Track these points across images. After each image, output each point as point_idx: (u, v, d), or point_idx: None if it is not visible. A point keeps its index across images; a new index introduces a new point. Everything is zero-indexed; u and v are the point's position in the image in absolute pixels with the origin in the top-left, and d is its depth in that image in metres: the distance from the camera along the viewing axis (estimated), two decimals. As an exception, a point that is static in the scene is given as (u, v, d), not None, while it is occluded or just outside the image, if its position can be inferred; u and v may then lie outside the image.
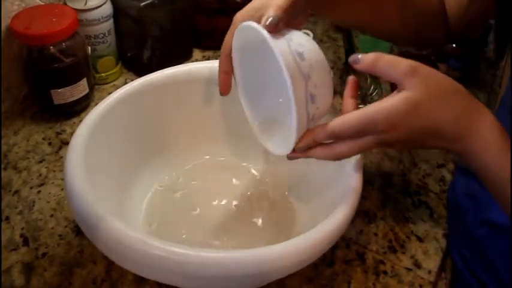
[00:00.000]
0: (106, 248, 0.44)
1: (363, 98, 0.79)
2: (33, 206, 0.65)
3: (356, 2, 0.59)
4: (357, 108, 0.47)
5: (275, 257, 0.41)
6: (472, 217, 0.62)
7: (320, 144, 0.47)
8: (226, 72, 0.57)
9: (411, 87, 0.43)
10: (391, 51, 1.03)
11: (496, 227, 0.57)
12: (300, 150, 0.48)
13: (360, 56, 0.45)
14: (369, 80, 0.89)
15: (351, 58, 0.46)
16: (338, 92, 0.79)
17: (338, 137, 0.45)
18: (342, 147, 0.46)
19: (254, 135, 0.58)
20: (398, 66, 0.44)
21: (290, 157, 0.50)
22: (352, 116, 0.44)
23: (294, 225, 0.63)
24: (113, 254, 0.44)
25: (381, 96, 0.86)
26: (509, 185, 0.44)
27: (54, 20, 0.72)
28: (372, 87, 0.87)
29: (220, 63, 0.57)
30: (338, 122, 0.45)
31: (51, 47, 0.72)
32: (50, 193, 0.67)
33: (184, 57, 0.95)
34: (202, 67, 0.64)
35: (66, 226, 0.63)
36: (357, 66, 0.45)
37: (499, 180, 0.45)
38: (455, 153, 0.48)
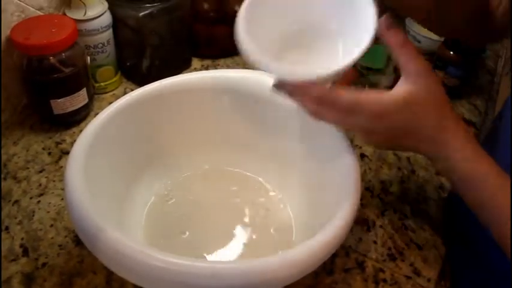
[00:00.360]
0: (106, 259, 0.44)
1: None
2: (33, 216, 0.65)
3: None
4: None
5: (274, 268, 0.42)
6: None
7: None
8: None
9: (416, 85, 0.48)
10: (388, 59, 1.04)
11: None
12: (295, 89, 0.50)
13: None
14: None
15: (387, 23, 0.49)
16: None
17: (329, 102, 0.48)
18: (329, 112, 0.49)
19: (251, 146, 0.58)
20: (419, 61, 0.48)
21: (278, 85, 0.51)
22: (349, 93, 0.48)
23: (293, 234, 0.63)
24: (113, 265, 0.44)
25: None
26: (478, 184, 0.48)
27: (53, 30, 0.72)
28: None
29: None
30: (336, 90, 0.48)
31: (51, 57, 0.72)
32: (49, 203, 0.67)
33: (183, 66, 0.95)
34: (201, 77, 0.64)
35: (66, 236, 0.63)
36: (390, 34, 0.49)
37: (473, 186, 0.49)
38: (428, 156, 0.52)
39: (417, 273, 0.62)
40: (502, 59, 1.13)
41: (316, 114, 0.50)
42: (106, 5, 0.81)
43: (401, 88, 0.48)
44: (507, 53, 1.16)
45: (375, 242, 0.65)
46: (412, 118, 0.48)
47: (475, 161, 0.49)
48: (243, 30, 0.51)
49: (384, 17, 0.50)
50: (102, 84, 0.87)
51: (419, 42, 1.04)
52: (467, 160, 0.49)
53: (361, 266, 0.63)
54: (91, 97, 0.81)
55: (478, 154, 0.49)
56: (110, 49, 0.84)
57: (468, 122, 0.89)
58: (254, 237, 0.62)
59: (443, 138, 0.49)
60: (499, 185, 0.48)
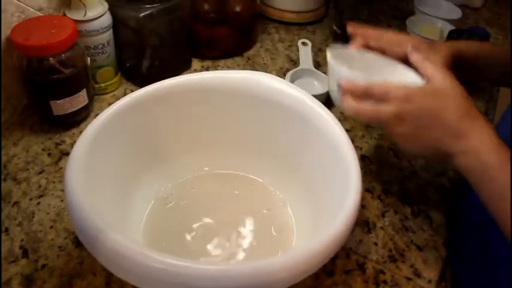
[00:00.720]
0: (105, 260, 0.44)
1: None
2: (33, 217, 0.65)
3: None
4: None
5: (275, 269, 0.41)
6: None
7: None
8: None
9: (442, 81, 0.54)
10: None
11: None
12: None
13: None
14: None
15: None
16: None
17: (363, 93, 0.56)
18: (365, 106, 0.56)
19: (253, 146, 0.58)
20: (445, 69, 0.56)
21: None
22: (380, 84, 0.55)
23: (294, 236, 0.63)
24: (112, 266, 0.44)
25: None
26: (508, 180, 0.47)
27: (53, 31, 0.72)
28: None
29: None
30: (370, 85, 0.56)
31: (51, 58, 0.72)
32: (49, 204, 0.67)
33: (183, 67, 0.95)
34: (202, 78, 0.64)
35: (65, 237, 0.63)
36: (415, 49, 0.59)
37: (497, 176, 0.48)
38: (453, 151, 0.52)
39: (418, 274, 0.62)
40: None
41: (353, 111, 0.57)
42: (106, 5, 0.81)
43: (428, 82, 0.55)
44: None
45: (376, 244, 0.65)
46: (437, 103, 0.52)
47: (496, 151, 0.49)
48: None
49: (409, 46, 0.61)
50: (102, 85, 0.86)
51: (419, 43, 1.04)
52: (488, 151, 0.49)
53: (361, 267, 0.62)
54: (91, 98, 0.81)
55: (499, 146, 0.50)
56: (110, 50, 0.84)
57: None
58: (255, 239, 0.62)
59: (466, 127, 0.51)
60: None
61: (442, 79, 0.54)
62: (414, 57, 0.58)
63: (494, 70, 0.67)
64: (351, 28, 0.63)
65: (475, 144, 0.50)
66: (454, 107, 0.52)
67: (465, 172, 0.52)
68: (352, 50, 0.64)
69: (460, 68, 0.61)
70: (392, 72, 0.62)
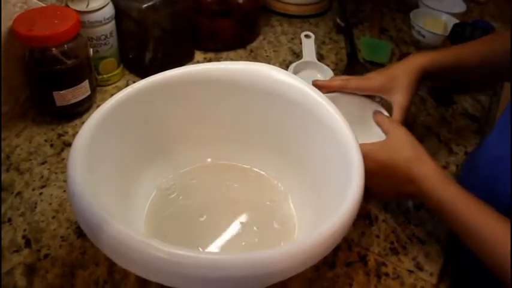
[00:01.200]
0: (108, 250, 0.44)
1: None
2: (35, 207, 0.65)
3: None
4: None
5: (276, 259, 0.41)
6: None
7: None
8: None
9: (392, 132, 0.64)
10: (392, 54, 1.03)
11: None
12: None
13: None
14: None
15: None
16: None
17: None
18: None
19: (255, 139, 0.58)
20: (392, 122, 0.66)
21: None
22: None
23: (296, 227, 0.63)
24: (115, 256, 0.44)
25: (382, 98, 0.86)
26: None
27: (56, 21, 0.72)
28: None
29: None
30: None
31: (53, 49, 0.72)
32: (52, 195, 0.67)
33: (186, 59, 0.95)
34: (204, 69, 0.63)
35: (68, 228, 0.63)
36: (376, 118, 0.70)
37: (449, 207, 0.55)
38: (411, 194, 0.59)
39: (419, 267, 0.62)
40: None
41: None
42: (109, -4, 0.81)
43: (387, 136, 0.65)
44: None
45: (378, 236, 0.65)
46: (391, 156, 0.60)
47: (443, 188, 0.56)
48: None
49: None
50: (104, 76, 0.86)
51: (423, 37, 1.04)
52: (436, 187, 0.56)
53: (363, 259, 0.62)
54: (93, 89, 0.81)
55: (446, 181, 0.56)
56: (113, 41, 0.84)
57: (471, 117, 0.88)
58: (257, 230, 0.62)
59: (415, 173, 0.58)
60: (467, 206, 0.54)
61: (394, 134, 0.63)
62: (375, 119, 0.70)
63: (472, 74, 0.76)
64: (314, 85, 0.65)
65: (425, 186, 0.57)
66: (404, 158, 0.59)
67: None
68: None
69: (438, 77, 0.73)
70: (363, 130, 0.69)
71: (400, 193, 0.61)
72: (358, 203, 0.48)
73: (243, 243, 0.61)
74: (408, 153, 0.60)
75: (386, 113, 0.71)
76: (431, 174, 0.57)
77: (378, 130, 0.69)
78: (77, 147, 0.51)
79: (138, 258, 0.41)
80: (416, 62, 0.70)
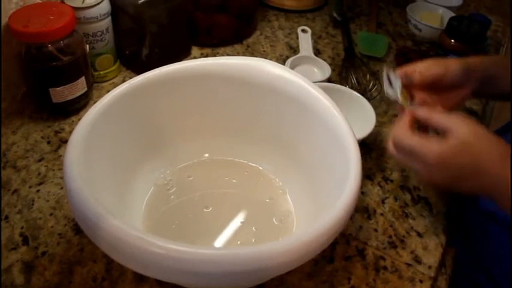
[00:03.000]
0: (105, 246, 0.44)
1: (363, 94, 0.79)
2: (33, 204, 0.65)
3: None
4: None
5: (274, 254, 0.41)
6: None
7: None
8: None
9: (461, 131, 0.50)
10: (389, 48, 1.03)
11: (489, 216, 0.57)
12: None
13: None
14: (368, 76, 0.89)
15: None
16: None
17: (395, 146, 0.55)
18: (397, 154, 0.55)
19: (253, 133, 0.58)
20: (454, 114, 0.52)
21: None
22: (408, 138, 0.53)
23: (294, 222, 0.63)
24: (113, 252, 0.44)
25: (380, 92, 0.86)
26: None
27: (52, 18, 0.71)
28: (371, 83, 0.88)
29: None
30: (396, 134, 0.55)
31: (50, 45, 0.72)
32: (49, 192, 0.67)
33: (182, 54, 0.95)
34: (200, 64, 0.63)
35: (65, 225, 0.63)
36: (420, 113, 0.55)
37: None
38: (490, 188, 0.50)
39: (418, 260, 0.62)
40: (504, 47, 1.13)
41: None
42: (105, -8, 0.80)
43: (454, 135, 0.50)
44: (508, 41, 1.15)
45: (376, 230, 0.65)
46: (474, 158, 0.49)
47: None
48: None
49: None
50: (101, 72, 0.86)
51: (420, 30, 1.03)
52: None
53: (361, 253, 0.63)
54: (90, 86, 0.81)
55: None
56: (109, 37, 0.84)
57: (469, 111, 0.88)
58: (255, 225, 0.62)
59: (507, 172, 0.48)
60: None
61: (462, 131, 0.50)
62: (420, 115, 0.56)
63: (504, 82, 0.66)
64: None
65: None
66: (494, 154, 0.49)
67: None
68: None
69: (472, 82, 0.63)
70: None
71: (473, 191, 0.52)
72: (355, 197, 0.48)
73: (242, 238, 0.61)
74: (490, 151, 0.50)
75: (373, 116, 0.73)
76: None
77: (370, 121, 0.70)
78: (74, 143, 0.51)
79: (134, 253, 0.41)
80: (453, 64, 0.62)
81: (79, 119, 0.55)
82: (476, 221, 0.61)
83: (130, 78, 0.60)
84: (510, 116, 0.60)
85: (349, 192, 0.48)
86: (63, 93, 0.75)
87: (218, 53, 0.98)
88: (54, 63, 0.72)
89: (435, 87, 0.61)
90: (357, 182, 0.49)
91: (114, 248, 0.43)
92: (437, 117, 0.53)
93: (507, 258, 0.53)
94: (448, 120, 0.51)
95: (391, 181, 0.73)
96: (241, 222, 0.62)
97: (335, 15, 1.09)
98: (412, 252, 0.63)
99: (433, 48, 1.00)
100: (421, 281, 0.60)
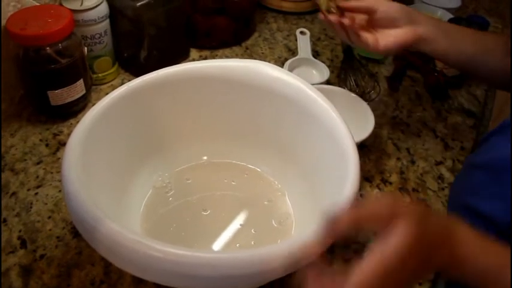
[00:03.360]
0: (103, 249, 0.44)
1: (362, 96, 0.79)
2: (31, 208, 0.65)
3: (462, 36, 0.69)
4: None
5: (272, 258, 0.41)
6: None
7: None
8: None
9: (399, 232, 0.41)
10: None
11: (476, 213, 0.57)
12: None
13: (335, 216, 0.42)
14: (366, 78, 0.89)
15: (327, 221, 0.42)
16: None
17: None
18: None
19: (251, 136, 0.58)
20: (381, 217, 0.42)
21: None
22: (369, 270, 0.41)
23: (293, 225, 0.63)
24: (110, 255, 0.44)
25: (378, 94, 0.86)
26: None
27: (50, 20, 0.71)
28: (370, 85, 0.87)
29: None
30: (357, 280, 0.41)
31: (48, 48, 0.72)
32: (47, 195, 0.67)
33: (181, 57, 0.95)
34: (199, 67, 0.63)
35: (64, 228, 0.63)
36: (337, 229, 0.42)
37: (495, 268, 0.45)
38: (444, 264, 0.45)
39: (417, 263, 0.62)
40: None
41: None
42: (103, -6, 0.80)
43: (393, 240, 0.41)
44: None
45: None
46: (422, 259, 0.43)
47: (487, 255, 0.46)
48: None
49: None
50: (99, 75, 0.86)
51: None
52: (478, 260, 0.45)
53: (361, 256, 0.62)
54: (88, 88, 0.81)
55: (487, 249, 0.46)
56: (107, 40, 0.84)
57: (467, 112, 0.88)
58: (254, 227, 0.62)
59: (458, 256, 0.45)
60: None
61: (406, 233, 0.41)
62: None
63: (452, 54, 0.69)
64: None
65: (465, 264, 0.45)
66: (439, 255, 0.44)
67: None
68: None
69: (411, 31, 0.67)
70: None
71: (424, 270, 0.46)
72: (353, 200, 0.48)
73: (240, 243, 0.60)
74: (438, 232, 0.45)
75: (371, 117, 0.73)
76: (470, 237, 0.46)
77: (369, 123, 0.71)
78: (72, 146, 0.51)
79: (132, 257, 0.41)
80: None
81: (77, 122, 0.55)
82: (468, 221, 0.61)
83: (129, 80, 0.60)
84: (510, 115, 0.60)
85: (347, 195, 0.48)
86: (61, 96, 0.75)
87: (217, 55, 0.98)
88: (52, 66, 0.72)
89: (371, 20, 0.67)
90: (355, 185, 0.49)
91: (112, 251, 0.43)
92: (367, 223, 0.43)
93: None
94: (383, 225, 0.42)
95: (390, 183, 0.72)
96: (240, 225, 0.62)
97: (333, 17, 1.09)
98: (411, 254, 0.63)
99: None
100: (419, 284, 0.60)
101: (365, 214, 0.43)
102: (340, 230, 0.42)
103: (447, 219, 0.48)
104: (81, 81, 0.77)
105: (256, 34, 1.06)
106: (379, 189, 0.71)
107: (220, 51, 0.99)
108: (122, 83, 0.81)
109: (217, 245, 0.60)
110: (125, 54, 0.89)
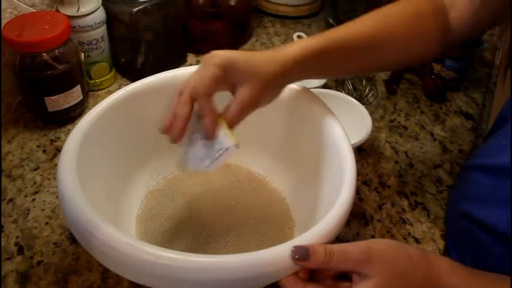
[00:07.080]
0: (100, 255, 0.44)
1: (359, 100, 0.79)
2: (28, 214, 0.65)
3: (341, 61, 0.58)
4: None
5: (267, 261, 0.41)
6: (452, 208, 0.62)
7: None
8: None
9: (371, 275, 0.43)
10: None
11: (475, 221, 0.57)
12: None
13: (309, 254, 0.42)
14: (364, 82, 0.89)
15: (297, 255, 0.42)
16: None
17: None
18: None
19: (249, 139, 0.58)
20: (350, 257, 0.43)
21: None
22: None
23: (292, 227, 0.62)
24: (106, 260, 0.44)
25: (376, 97, 0.86)
26: None
27: (46, 27, 0.71)
28: (368, 89, 0.87)
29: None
30: None
31: (44, 54, 0.71)
32: (44, 201, 0.67)
33: (178, 62, 0.95)
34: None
35: (61, 234, 0.63)
36: (307, 265, 0.43)
37: None
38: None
39: (415, 266, 0.62)
40: (500, 51, 1.13)
41: None
42: (99, 0, 0.80)
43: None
44: (505, 45, 1.15)
45: (373, 236, 0.65)
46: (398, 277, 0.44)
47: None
48: None
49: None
50: (97, 80, 0.86)
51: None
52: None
53: (359, 260, 0.62)
54: (86, 94, 0.81)
55: (467, 277, 0.47)
56: (104, 45, 0.84)
57: (465, 115, 0.88)
58: (252, 230, 0.62)
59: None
60: None
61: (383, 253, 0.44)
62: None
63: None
64: None
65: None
66: (411, 282, 0.45)
67: None
68: None
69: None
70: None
71: None
72: (350, 203, 0.48)
73: (238, 246, 0.60)
74: (416, 273, 0.45)
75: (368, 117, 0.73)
76: (451, 277, 0.47)
77: (367, 127, 0.70)
78: (68, 151, 0.51)
79: (128, 262, 0.41)
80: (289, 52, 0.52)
81: (75, 128, 0.55)
82: (468, 230, 0.61)
83: (126, 85, 0.60)
84: (510, 114, 0.59)
85: (343, 199, 0.48)
86: (58, 102, 0.75)
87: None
88: (49, 72, 0.72)
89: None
90: (351, 188, 0.49)
91: (107, 256, 0.43)
92: (336, 264, 0.43)
93: (499, 268, 0.52)
94: (352, 266, 0.43)
95: (388, 187, 0.72)
96: (238, 228, 0.62)
97: (331, 21, 1.09)
98: (409, 257, 0.63)
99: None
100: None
101: (338, 255, 0.43)
102: (312, 266, 0.43)
103: (426, 263, 0.46)
104: (78, 87, 0.77)
105: (253, 38, 1.06)
106: (377, 192, 0.71)
107: (217, 56, 0.99)
108: (119, 89, 0.81)
109: (215, 248, 0.60)
110: (122, 60, 0.90)
